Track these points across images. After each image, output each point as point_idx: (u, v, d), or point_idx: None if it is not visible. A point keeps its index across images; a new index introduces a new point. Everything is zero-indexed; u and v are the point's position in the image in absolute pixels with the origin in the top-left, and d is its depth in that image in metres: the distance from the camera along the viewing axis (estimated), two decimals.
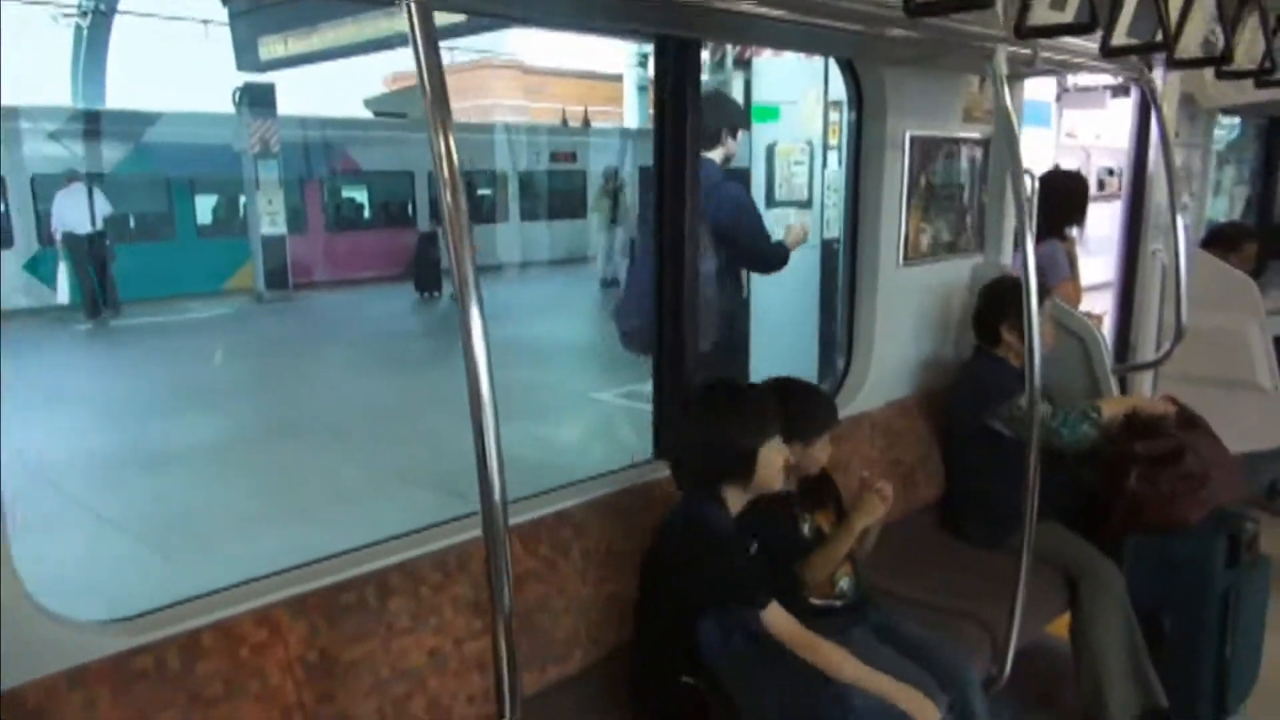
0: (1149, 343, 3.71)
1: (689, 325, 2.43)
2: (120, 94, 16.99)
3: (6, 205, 12.69)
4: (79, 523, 4.90)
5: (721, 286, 3.32)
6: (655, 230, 2.40)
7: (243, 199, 14.03)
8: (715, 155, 3.28)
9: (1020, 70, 2.72)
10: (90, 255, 11.74)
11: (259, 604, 1.66)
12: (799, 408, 2.28)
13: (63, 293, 11.88)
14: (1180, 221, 3.19)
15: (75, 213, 11.60)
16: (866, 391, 2.99)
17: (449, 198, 1.19)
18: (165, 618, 1.59)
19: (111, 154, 13.39)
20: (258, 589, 1.68)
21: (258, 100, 13.07)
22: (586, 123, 21.84)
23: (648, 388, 2.62)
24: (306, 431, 6.93)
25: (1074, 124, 9.28)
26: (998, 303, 2.87)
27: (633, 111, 26.89)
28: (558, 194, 18.45)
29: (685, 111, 2.33)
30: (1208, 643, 2.73)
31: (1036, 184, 3.29)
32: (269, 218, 13.12)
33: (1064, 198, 3.72)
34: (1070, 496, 2.84)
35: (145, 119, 13.84)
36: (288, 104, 13.49)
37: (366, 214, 16.69)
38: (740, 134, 3.51)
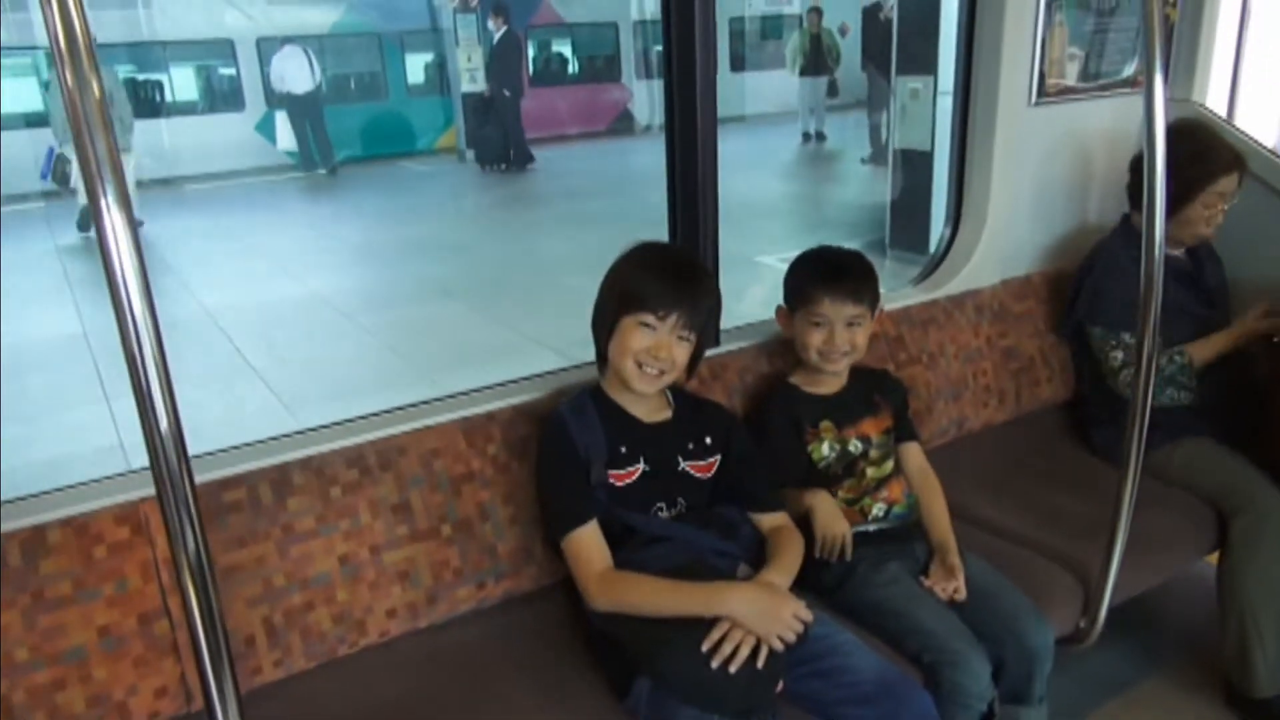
0: None
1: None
2: None
3: (237, 70, 13.51)
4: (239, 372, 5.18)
5: None
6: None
7: None
8: None
9: None
10: (306, 116, 12.34)
11: (122, 499, 1.48)
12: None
13: (282, 142, 12.70)
14: None
15: (293, 74, 12.15)
16: (974, 266, 2.41)
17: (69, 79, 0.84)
18: (10, 511, 1.44)
19: (328, 16, 13.83)
20: (123, 484, 1.51)
21: None
22: None
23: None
24: (466, 290, 6.99)
25: None
26: (1190, 159, 2.05)
27: None
28: (770, 42, 17.32)
29: None
30: None
31: None
32: (469, 74, 13.10)
33: None
34: (1235, 407, 2.19)
35: None
36: None
37: (570, 68, 16.44)
38: None
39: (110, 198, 0.87)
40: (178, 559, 0.97)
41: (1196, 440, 2.17)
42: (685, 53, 1.89)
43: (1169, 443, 2.15)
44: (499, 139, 12.31)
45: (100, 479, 1.52)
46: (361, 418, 1.72)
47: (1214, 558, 2.13)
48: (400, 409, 1.76)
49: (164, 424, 0.91)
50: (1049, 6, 2.30)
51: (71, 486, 1.50)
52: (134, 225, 0.89)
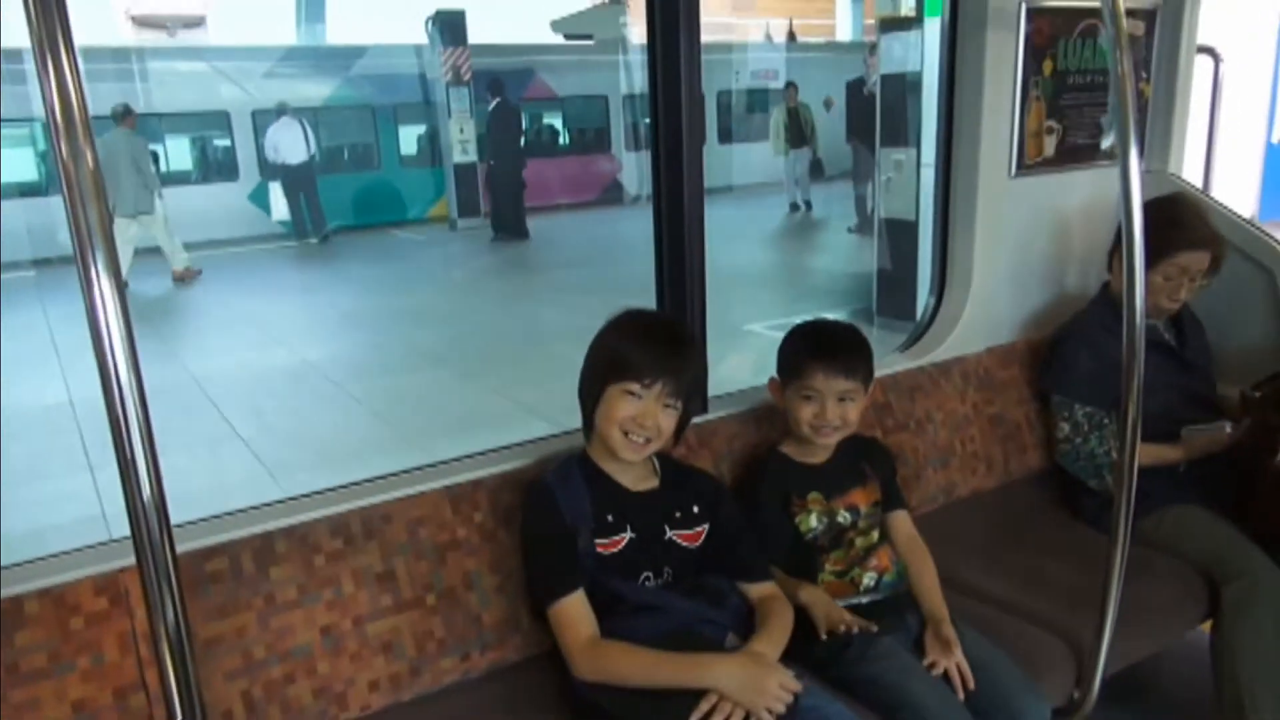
0: None
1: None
2: (338, 30, 17.82)
3: (232, 141, 13.71)
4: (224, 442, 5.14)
5: None
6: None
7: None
8: None
9: None
10: (299, 186, 12.48)
11: (102, 569, 1.46)
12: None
13: (276, 212, 13.02)
14: None
15: (288, 145, 12.31)
16: (960, 333, 2.43)
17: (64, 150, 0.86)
18: None
19: (323, 88, 14.10)
20: (104, 553, 1.49)
21: (449, 27, 13.24)
22: (792, 36, 20.74)
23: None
24: (456, 357, 6.99)
25: None
26: (1158, 229, 2.09)
27: (845, 23, 25.34)
28: (757, 115, 17.70)
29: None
30: None
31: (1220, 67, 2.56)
32: (460, 146, 13.33)
33: None
34: (1222, 474, 2.20)
35: (353, 52, 14.48)
36: (478, 31, 13.58)
37: (561, 140, 16.73)
38: None
39: (100, 266, 0.87)
40: (156, 631, 0.96)
41: (1185, 508, 2.16)
42: (672, 125, 1.94)
43: (1157, 510, 2.15)
44: (495, 209, 12.45)
45: (80, 548, 1.50)
46: (346, 486, 1.71)
47: (1208, 625, 2.11)
48: (385, 477, 1.75)
49: (146, 492, 0.90)
50: (1026, 81, 2.37)
51: (52, 556, 1.48)
52: (122, 293, 0.89)
